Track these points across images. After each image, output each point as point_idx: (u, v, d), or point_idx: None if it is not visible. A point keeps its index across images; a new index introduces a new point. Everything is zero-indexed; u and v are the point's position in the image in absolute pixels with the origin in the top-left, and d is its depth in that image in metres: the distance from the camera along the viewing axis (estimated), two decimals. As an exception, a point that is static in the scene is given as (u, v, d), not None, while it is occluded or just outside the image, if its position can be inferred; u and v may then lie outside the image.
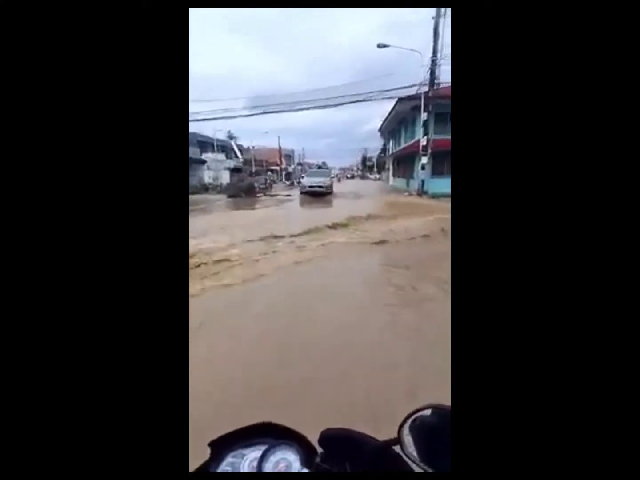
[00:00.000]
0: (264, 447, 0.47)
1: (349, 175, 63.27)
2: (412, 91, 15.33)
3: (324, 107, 16.79)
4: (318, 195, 16.01)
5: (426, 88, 14.43)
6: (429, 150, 14.58)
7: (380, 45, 14.52)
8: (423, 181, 14.85)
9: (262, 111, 17.94)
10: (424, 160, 14.64)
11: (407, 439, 0.45)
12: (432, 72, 14.10)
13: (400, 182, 22.62)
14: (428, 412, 0.46)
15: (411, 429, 0.46)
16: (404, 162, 20.81)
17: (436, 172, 15.47)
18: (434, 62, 13.99)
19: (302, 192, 17.09)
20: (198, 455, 0.48)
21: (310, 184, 16.98)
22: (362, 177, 60.08)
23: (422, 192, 14.72)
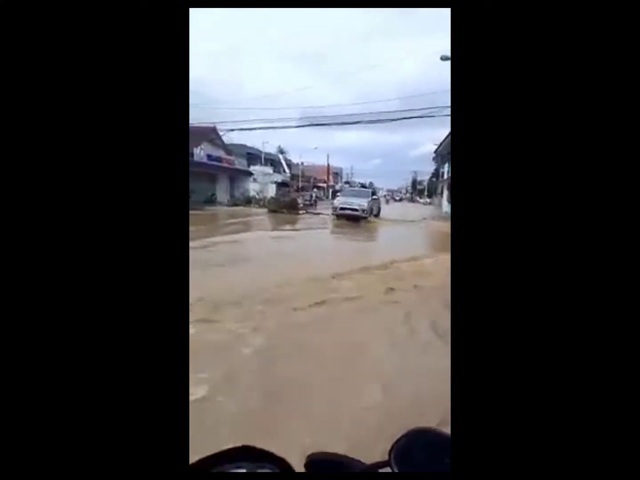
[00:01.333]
0: (242, 471, 0.46)
1: (397, 198, 61.21)
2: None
3: (378, 121, 15.20)
4: (353, 219, 13.08)
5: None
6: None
7: (443, 58, 12.92)
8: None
9: (309, 123, 16.77)
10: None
11: (398, 462, 0.44)
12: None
13: (456, 210, 20.40)
14: (439, 439, 0.46)
15: (394, 451, 0.45)
16: (464, 188, 18.70)
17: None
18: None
19: (334, 215, 14.04)
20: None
21: (342, 206, 13.80)
22: (411, 200, 57.85)
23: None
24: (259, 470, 0.44)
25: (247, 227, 10.92)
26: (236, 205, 20.82)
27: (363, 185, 18.30)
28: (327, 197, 36.67)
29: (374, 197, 15.74)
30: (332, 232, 11.20)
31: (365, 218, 13.55)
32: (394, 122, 15.32)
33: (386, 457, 0.44)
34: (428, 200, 47.90)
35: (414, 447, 0.46)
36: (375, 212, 15.30)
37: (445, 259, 5.96)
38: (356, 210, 13.39)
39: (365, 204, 13.77)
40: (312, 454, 0.49)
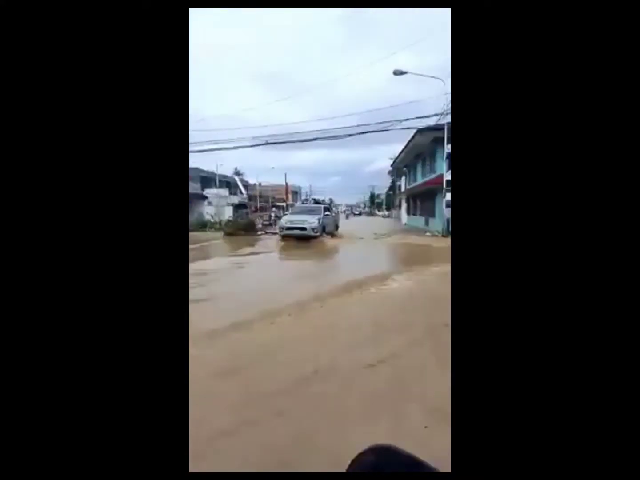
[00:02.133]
0: None
1: (356, 212, 62.13)
2: (431, 122, 13.74)
3: (335, 137, 14.94)
4: (303, 239, 11.19)
5: (449, 119, 12.82)
6: (455, 186, 12.69)
7: (397, 72, 13.11)
8: (448, 220, 12.78)
9: (264, 142, 16.29)
10: (449, 197, 12.69)
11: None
12: (457, 100, 12.55)
13: (416, 221, 20.68)
14: (397, 458, 0.44)
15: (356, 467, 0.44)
16: (422, 199, 18.95)
17: (461, 210, 13.50)
18: (458, 89, 12.48)
19: (280, 235, 11.98)
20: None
21: (289, 225, 11.80)
22: (370, 214, 58.97)
23: (447, 233, 12.61)
24: None
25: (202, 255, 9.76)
26: (190, 230, 19.73)
27: (317, 202, 16.15)
28: (287, 216, 36.24)
29: (327, 213, 13.40)
30: (280, 257, 9.11)
31: (316, 237, 11.59)
32: (350, 139, 15.04)
33: None
34: (386, 213, 48.95)
35: (376, 465, 0.44)
36: (330, 228, 13.17)
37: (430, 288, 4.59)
38: (304, 229, 11.51)
39: (316, 222, 11.77)
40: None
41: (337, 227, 15.01)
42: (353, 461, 0.45)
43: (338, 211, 20.90)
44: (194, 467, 0.66)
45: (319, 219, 12.04)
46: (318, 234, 11.74)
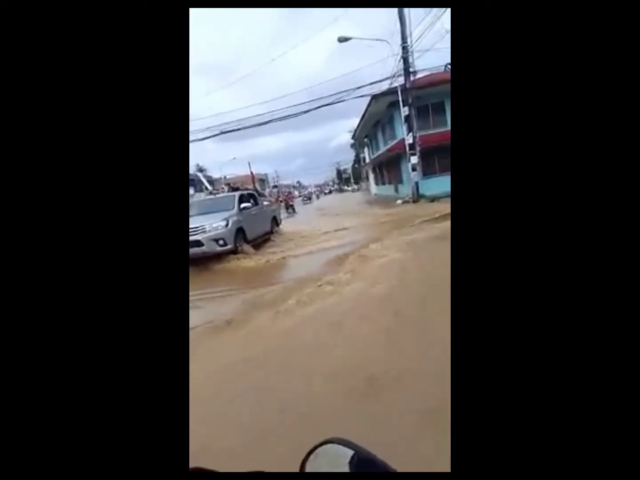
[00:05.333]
0: None
1: (326, 191, 61.84)
2: (385, 86, 13.57)
3: (289, 116, 14.45)
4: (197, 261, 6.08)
5: (401, 80, 12.70)
6: (418, 149, 12.69)
7: (341, 39, 12.78)
8: (417, 183, 12.87)
9: (219, 132, 15.67)
10: (414, 160, 12.72)
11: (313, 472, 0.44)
12: (406, 61, 12.38)
13: (385, 189, 20.78)
14: (350, 452, 0.44)
15: (352, 467, 0.44)
16: (388, 167, 18.99)
17: (427, 172, 13.58)
18: (405, 49, 12.29)
19: None
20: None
21: None
22: (340, 190, 58.84)
23: (418, 197, 12.73)
24: None
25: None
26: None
27: (235, 189, 9.82)
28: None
29: (247, 205, 7.66)
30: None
31: (224, 252, 6.39)
32: (307, 118, 14.59)
33: None
34: (356, 187, 49.00)
35: (333, 461, 0.44)
36: (256, 231, 7.83)
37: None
38: (198, 243, 6.14)
39: (222, 226, 6.46)
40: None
41: (277, 223, 9.96)
42: (304, 460, 0.46)
43: (269, 200, 14.43)
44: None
45: (227, 220, 6.59)
46: (227, 246, 6.38)
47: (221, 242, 6.41)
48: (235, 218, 6.97)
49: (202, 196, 26.41)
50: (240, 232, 6.95)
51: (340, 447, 0.46)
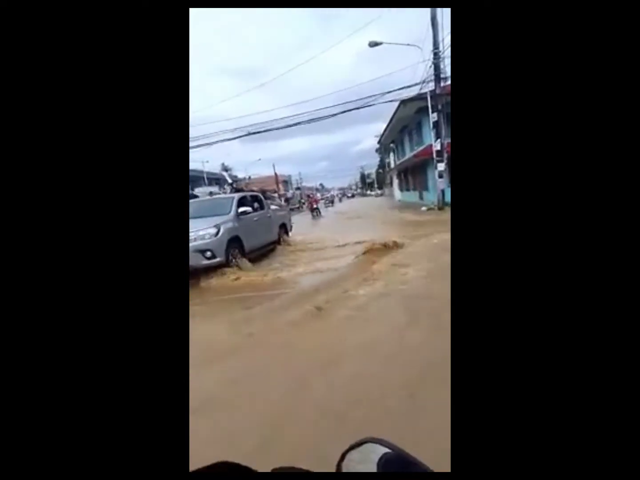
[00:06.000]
0: None
1: (349, 195, 61.74)
2: (414, 91, 13.42)
3: (318, 119, 14.56)
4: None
5: (431, 86, 12.53)
6: (445, 155, 12.46)
7: (372, 44, 12.75)
8: (443, 191, 12.64)
9: (247, 132, 15.94)
10: (441, 167, 12.50)
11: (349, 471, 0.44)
12: (437, 67, 12.21)
13: (409, 196, 20.53)
14: (381, 449, 0.45)
15: (379, 467, 0.43)
16: (413, 173, 18.75)
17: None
18: (436, 55, 12.13)
19: None
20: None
21: None
22: (363, 194, 58.62)
23: (443, 205, 12.49)
24: None
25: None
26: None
27: (238, 190, 8.86)
28: (281, 207, 36.21)
29: (246, 209, 6.49)
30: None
31: (211, 266, 5.25)
32: (333, 122, 14.63)
33: None
34: (379, 192, 48.68)
35: (365, 460, 0.44)
36: (256, 242, 6.60)
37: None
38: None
39: (211, 233, 5.33)
40: (277, 469, 0.47)
41: (287, 230, 8.70)
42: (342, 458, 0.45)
43: (279, 202, 12.63)
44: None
45: (218, 227, 5.46)
46: (216, 259, 5.25)
47: (208, 253, 5.15)
48: (229, 225, 5.74)
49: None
50: (234, 241, 5.70)
51: (376, 446, 0.45)
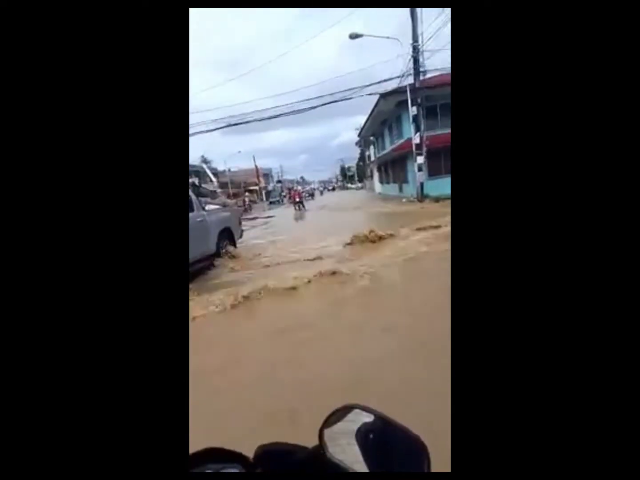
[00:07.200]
0: (209, 471, 0.46)
1: (330, 188, 61.76)
2: (393, 84, 13.56)
3: (298, 111, 14.50)
4: None
5: (411, 80, 12.69)
6: (424, 149, 12.71)
7: (352, 36, 12.75)
8: (422, 184, 12.90)
9: (226, 124, 15.71)
10: (420, 160, 12.74)
11: (332, 443, 0.45)
12: (416, 60, 12.36)
13: (389, 189, 20.79)
14: (364, 417, 0.46)
15: (358, 438, 0.45)
16: (393, 166, 18.98)
17: (432, 172, 13.57)
18: (415, 49, 12.27)
19: None
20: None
21: None
22: (343, 187, 58.74)
23: (422, 197, 12.77)
24: (224, 471, 0.45)
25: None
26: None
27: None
28: (262, 200, 35.88)
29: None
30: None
31: None
32: (313, 115, 14.54)
33: None
34: (360, 185, 48.91)
35: (346, 431, 0.45)
36: (200, 251, 5.07)
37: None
38: None
39: None
40: (259, 447, 0.49)
41: (233, 238, 6.35)
42: (328, 419, 0.47)
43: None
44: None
45: None
46: None
47: None
48: None
49: (207, 187, 26.34)
50: None
51: (358, 414, 0.46)
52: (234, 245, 6.41)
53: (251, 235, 9.21)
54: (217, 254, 5.68)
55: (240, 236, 6.94)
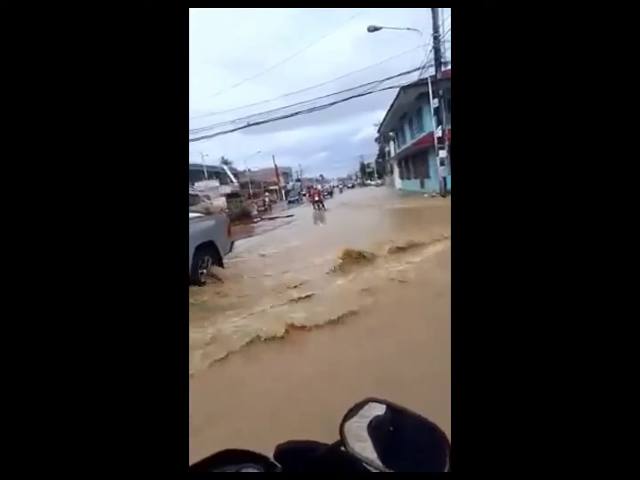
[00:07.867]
0: (230, 471, 0.46)
1: (349, 185, 61.39)
2: (414, 77, 13.21)
3: (318, 108, 14.37)
4: None
5: (432, 71, 12.32)
6: (447, 142, 12.32)
7: (371, 29, 12.51)
8: (444, 179, 12.52)
9: (245, 124, 15.79)
10: (443, 154, 12.36)
11: (351, 437, 0.45)
12: (437, 51, 11.99)
13: (410, 185, 20.38)
14: (380, 410, 0.47)
15: (370, 431, 0.46)
16: (414, 161, 18.59)
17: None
18: (436, 39, 11.90)
19: None
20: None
21: None
22: (363, 184, 58.27)
23: (445, 192, 12.39)
24: (244, 471, 0.45)
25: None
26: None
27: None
28: (281, 199, 36.09)
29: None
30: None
31: None
32: (331, 112, 14.41)
33: None
34: (379, 181, 48.36)
35: (361, 423, 0.46)
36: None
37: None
38: None
39: None
40: (278, 445, 0.49)
41: (218, 254, 4.78)
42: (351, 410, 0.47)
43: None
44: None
45: None
46: None
47: None
48: None
49: (227, 188, 26.67)
50: None
51: (374, 407, 0.47)
52: (220, 263, 4.85)
53: (254, 242, 8.39)
54: (195, 280, 4.16)
55: (231, 249, 5.47)
